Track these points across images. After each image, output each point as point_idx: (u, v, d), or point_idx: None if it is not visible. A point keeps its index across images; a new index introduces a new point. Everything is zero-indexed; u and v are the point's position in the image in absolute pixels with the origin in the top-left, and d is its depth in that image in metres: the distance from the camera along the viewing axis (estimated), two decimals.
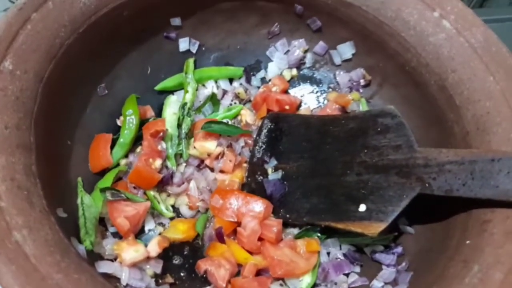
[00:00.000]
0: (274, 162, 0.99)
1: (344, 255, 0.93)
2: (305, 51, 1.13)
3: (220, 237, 0.92)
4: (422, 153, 0.82)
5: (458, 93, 0.89)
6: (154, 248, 0.87)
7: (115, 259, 0.85)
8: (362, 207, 0.84)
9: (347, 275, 0.91)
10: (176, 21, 1.07)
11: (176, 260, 0.93)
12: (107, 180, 0.92)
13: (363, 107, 1.08)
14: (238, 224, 0.92)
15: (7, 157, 0.71)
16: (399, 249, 0.90)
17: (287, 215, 0.94)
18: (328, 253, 0.94)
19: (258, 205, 0.92)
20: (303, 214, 0.92)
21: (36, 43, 0.82)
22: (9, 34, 0.79)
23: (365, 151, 0.89)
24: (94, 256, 0.82)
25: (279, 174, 0.97)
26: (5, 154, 0.72)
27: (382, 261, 0.90)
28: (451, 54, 0.90)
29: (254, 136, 1.05)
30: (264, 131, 1.03)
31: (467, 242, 0.76)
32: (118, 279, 0.81)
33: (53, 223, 0.71)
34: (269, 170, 0.99)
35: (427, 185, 0.79)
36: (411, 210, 0.90)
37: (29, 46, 0.81)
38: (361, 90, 1.09)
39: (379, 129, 0.90)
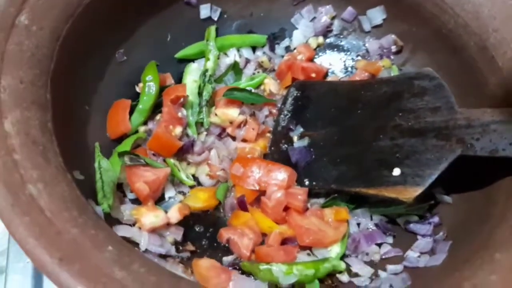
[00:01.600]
0: (300, 129, 0.94)
1: (376, 225, 0.88)
2: (332, 18, 1.08)
3: (242, 205, 0.87)
4: (463, 114, 0.77)
5: (500, 54, 0.83)
6: (174, 214, 0.83)
7: (134, 225, 0.81)
8: (397, 171, 0.79)
9: (379, 245, 0.85)
10: None
11: (197, 228, 0.89)
12: (126, 145, 0.89)
13: (394, 74, 1.01)
14: (261, 192, 0.88)
15: (22, 111, 0.68)
16: (435, 219, 0.84)
17: (314, 183, 0.88)
18: (358, 224, 0.89)
19: (281, 173, 0.87)
20: (331, 181, 0.87)
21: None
22: None
23: (400, 114, 0.84)
24: (112, 221, 0.78)
25: (305, 141, 0.92)
26: (19, 108, 0.68)
27: (417, 231, 0.84)
28: (492, 12, 0.85)
29: (279, 105, 1.00)
30: (290, 99, 0.99)
31: None
32: (136, 244, 0.77)
33: (70, 181, 0.68)
34: (295, 138, 0.94)
35: (469, 146, 0.73)
36: (447, 178, 0.84)
37: (45, 2, 0.78)
38: (392, 57, 1.04)
39: (415, 91, 0.84)
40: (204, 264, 0.76)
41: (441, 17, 0.92)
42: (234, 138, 0.98)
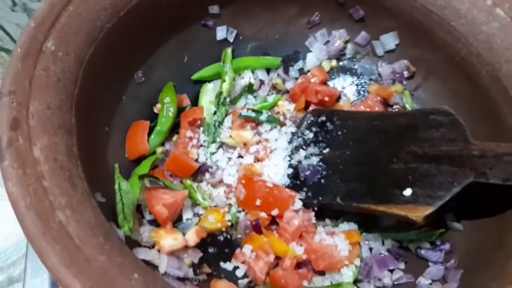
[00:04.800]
0: (311, 150, 0.96)
1: (388, 250, 0.89)
2: (346, 42, 1.10)
3: (257, 229, 0.89)
4: (478, 145, 0.78)
5: None
6: (192, 237, 0.85)
7: (153, 247, 0.82)
8: (408, 191, 0.80)
9: (391, 271, 0.87)
10: (214, 9, 1.05)
11: (211, 250, 0.90)
12: (145, 167, 0.91)
13: (406, 99, 1.04)
14: (271, 215, 0.90)
15: (49, 137, 0.70)
16: (446, 246, 0.86)
17: (320, 198, 0.89)
18: (371, 249, 0.90)
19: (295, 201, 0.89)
20: (340, 196, 0.88)
21: (78, 25, 0.81)
22: (52, 15, 0.79)
23: (415, 142, 0.85)
24: (131, 243, 0.80)
25: (315, 160, 0.94)
26: (47, 134, 0.70)
27: (429, 257, 0.86)
28: (505, 43, 0.86)
29: (293, 127, 1.02)
30: (305, 123, 1.01)
31: None
32: (156, 267, 0.79)
33: (94, 206, 0.69)
34: (305, 156, 0.95)
35: (482, 173, 0.75)
36: (459, 206, 0.86)
37: (71, 27, 0.80)
38: (404, 82, 1.05)
39: (431, 124, 0.86)
40: (222, 286, 0.78)
41: (454, 45, 0.93)
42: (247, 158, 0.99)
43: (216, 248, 0.91)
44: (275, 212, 0.89)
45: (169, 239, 0.81)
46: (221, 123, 1.02)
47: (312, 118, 1.01)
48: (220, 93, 1.04)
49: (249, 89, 1.08)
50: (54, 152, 0.69)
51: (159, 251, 0.81)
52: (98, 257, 0.60)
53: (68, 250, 0.59)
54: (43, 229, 0.60)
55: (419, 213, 0.78)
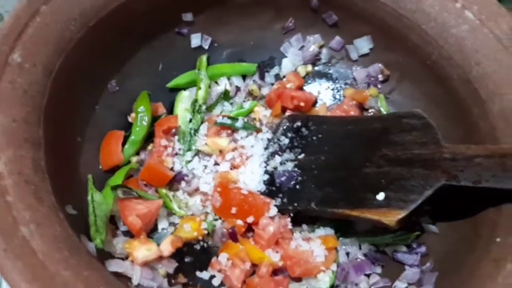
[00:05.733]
0: (287, 155, 0.96)
1: (365, 255, 0.89)
2: (321, 47, 1.10)
3: (233, 237, 0.88)
4: (449, 148, 0.79)
5: (483, 86, 0.85)
6: (167, 247, 0.84)
7: (126, 258, 0.81)
8: (381, 196, 0.80)
9: (368, 275, 0.87)
10: (188, 17, 1.04)
11: (187, 259, 0.89)
12: (118, 178, 0.89)
13: (381, 103, 1.04)
14: (247, 222, 0.89)
15: (14, 150, 0.69)
16: (422, 249, 0.86)
17: (295, 204, 0.89)
18: (348, 254, 0.90)
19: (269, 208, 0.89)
20: (314, 201, 0.87)
21: (45, 36, 0.80)
22: (17, 26, 0.78)
23: (387, 146, 0.86)
24: (104, 255, 0.79)
25: (290, 165, 0.93)
26: (12, 147, 0.69)
27: (405, 261, 0.86)
28: (475, 46, 0.86)
29: (269, 133, 1.02)
30: (281, 129, 1.01)
31: (497, 240, 0.72)
32: (129, 279, 0.78)
33: (61, 220, 0.68)
34: (280, 162, 0.95)
35: (453, 176, 0.75)
36: (434, 209, 0.87)
37: (38, 39, 0.79)
38: (379, 86, 1.06)
39: (404, 128, 0.86)
40: None
41: (425, 48, 0.93)
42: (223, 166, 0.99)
43: (192, 257, 0.90)
44: (250, 219, 0.88)
45: (142, 250, 0.80)
46: (196, 130, 1.01)
47: (287, 124, 1.01)
48: (196, 100, 1.03)
49: (225, 96, 1.07)
50: (19, 166, 0.68)
51: (132, 262, 0.80)
52: (62, 272, 0.60)
53: (31, 266, 0.58)
54: (5, 245, 0.59)
55: (392, 217, 0.78)
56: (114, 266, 0.76)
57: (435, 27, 0.91)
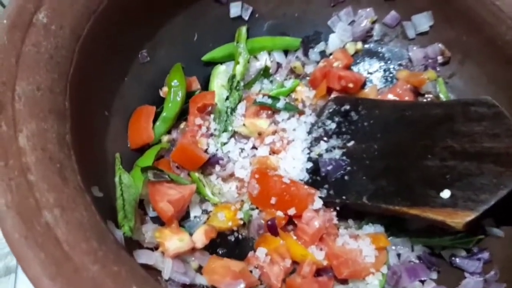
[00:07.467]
0: (334, 142, 0.87)
1: (419, 258, 0.80)
2: (373, 22, 1.01)
3: (273, 230, 0.80)
4: None
5: None
6: (200, 238, 0.76)
7: (156, 248, 0.74)
8: (446, 193, 0.71)
9: (422, 282, 0.78)
10: None
11: (221, 251, 0.82)
12: (148, 158, 0.82)
13: (440, 88, 0.94)
14: (288, 214, 0.81)
15: (38, 122, 0.61)
16: (485, 255, 0.77)
17: (343, 197, 0.81)
18: (399, 255, 0.81)
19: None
20: (366, 196, 0.79)
21: None
22: None
23: (452, 136, 0.76)
24: (131, 244, 0.71)
25: (337, 153, 0.85)
26: (36, 119, 0.61)
27: (465, 267, 0.77)
28: None
29: (312, 116, 0.93)
30: (327, 111, 0.92)
31: None
32: (158, 272, 0.70)
33: (88, 203, 0.61)
34: (326, 149, 0.86)
35: None
36: (499, 209, 0.76)
37: None
38: (438, 69, 0.95)
39: (471, 116, 0.76)
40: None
41: (497, 27, 0.84)
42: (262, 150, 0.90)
43: (226, 249, 0.83)
44: (292, 211, 0.80)
45: (174, 241, 0.73)
46: (233, 110, 0.93)
47: (334, 107, 0.92)
48: (233, 76, 0.95)
49: (265, 72, 0.99)
50: (43, 141, 0.61)
51: (163, 253, 0.72)
52: (89, 267, 0.52)
53: (54, 258, 0.50)
54: (26, 232, 0.51)
55: (459, 219, 0.69)
56: (144, 257, 0.69)
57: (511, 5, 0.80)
